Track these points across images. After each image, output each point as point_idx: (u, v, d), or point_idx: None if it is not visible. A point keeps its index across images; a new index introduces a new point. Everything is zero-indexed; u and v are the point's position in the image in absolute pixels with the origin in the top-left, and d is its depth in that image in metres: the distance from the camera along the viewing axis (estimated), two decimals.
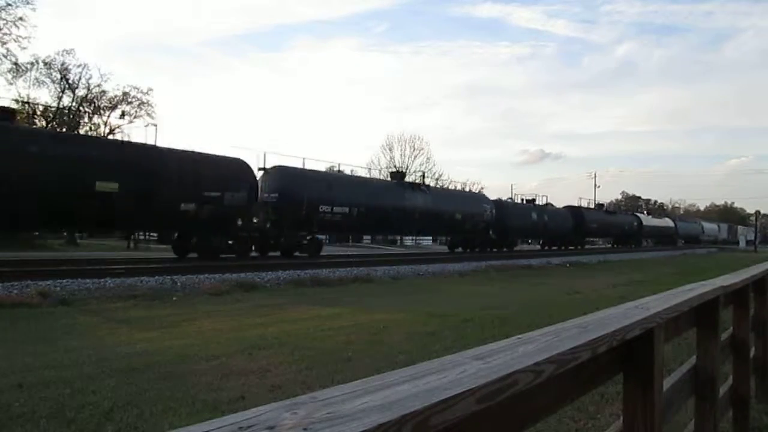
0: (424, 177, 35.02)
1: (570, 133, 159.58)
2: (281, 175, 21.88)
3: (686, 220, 78.75)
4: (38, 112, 35.78)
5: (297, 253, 22.29)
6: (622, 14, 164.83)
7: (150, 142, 18.28)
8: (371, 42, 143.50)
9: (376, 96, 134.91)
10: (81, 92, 37.33)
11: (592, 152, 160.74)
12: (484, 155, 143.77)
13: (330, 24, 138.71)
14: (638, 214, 58.24)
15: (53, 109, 35.41)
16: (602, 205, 49.96)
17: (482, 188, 42.85)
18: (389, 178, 31.45)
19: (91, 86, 37.50)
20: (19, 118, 34.02)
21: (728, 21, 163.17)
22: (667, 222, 65.38)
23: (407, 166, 54.65)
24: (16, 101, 34.58)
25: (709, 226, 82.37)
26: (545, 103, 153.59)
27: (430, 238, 48.88)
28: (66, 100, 36.76)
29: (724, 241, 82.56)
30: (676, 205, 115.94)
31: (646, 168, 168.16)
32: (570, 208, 43.43)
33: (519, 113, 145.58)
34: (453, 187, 43.29)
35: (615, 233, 52.03)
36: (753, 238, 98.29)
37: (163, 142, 19.31)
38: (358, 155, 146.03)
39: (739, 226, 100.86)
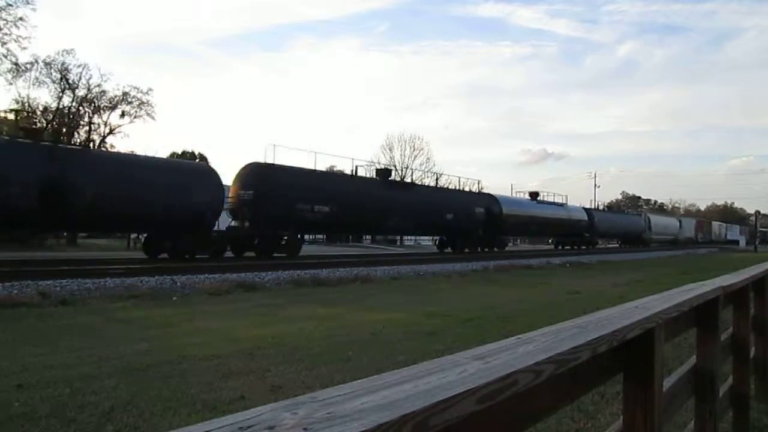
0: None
1: (572, 133, 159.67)
2: None
3: (616, 211, 60.21)
4: (38, 112, 35.80)
5: None
6: (624, 14, 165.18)
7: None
8: (372, 42, 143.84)
9: (377, 96, 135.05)
10: (81, 92, 37.33)
11: (594, 152, 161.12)
12: (486, 155, 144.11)
13: (331, 24, 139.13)
14: (498, 196, 34.79)
15: (53, 109, 35.42)
16: (402, 180, 28.15)
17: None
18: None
19: (91, 86, 37.51)
20: (19, 118, 34.18)
21: (730, 21, 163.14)
22: (571, 213, 42.45)
23: (407, 166, 54.70)
24: (16, 101, 34.66)
25: (662, 221, 63.53)
26: (547, 103, 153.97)
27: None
28: (66, 100, 36.78)
29: (689, 242, 66.84)
30: (677, 205, 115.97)
31: (648, 168, 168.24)
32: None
33: (521, 113, 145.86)
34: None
35: (427, 226, 29.89)
36: (738, 236, 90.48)
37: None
38: (359, 155, 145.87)
39: (714, 223, 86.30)
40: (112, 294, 11.10)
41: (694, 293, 2.42)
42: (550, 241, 50.02)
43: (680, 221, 69.56)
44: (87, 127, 37.69)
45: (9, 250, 20.81)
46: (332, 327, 8.29)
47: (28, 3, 30.59)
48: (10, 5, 30.28)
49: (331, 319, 9.15)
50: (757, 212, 77.64)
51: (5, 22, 30.49)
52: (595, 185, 77.95)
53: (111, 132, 37.40)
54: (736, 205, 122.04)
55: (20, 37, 31.12)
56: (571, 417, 4.09)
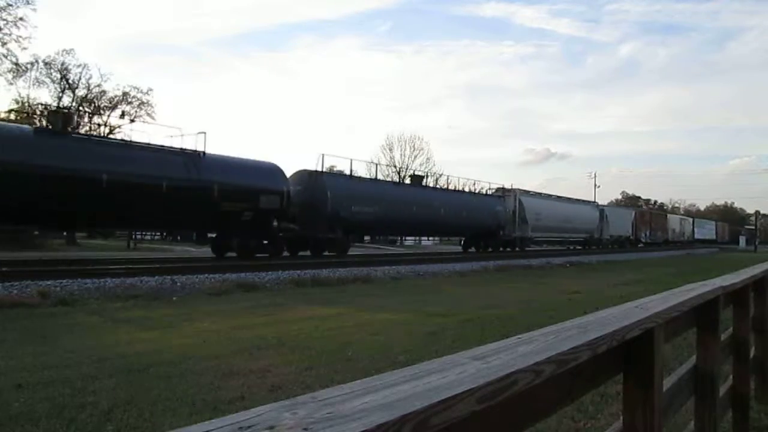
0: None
1: (574, 133, 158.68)
2: None
3: (432, 187, 33.07)
4: (38, 112, 35.79)
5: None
6: (627, 13, 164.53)
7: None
8: (374, 41, 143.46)
9: (379, 95, 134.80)
10: (81, 92, 37.41)
11: (596, 152, 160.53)
12: (489, 155, 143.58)
13: (333, 23, 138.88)
14: None
15: (53, 108, 35.38)
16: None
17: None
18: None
19: (91, 86, 37.57)
20: (18, 118, 34.16)
21: (733, 20, 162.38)
22: (249, 175, 20.04)
23: (407, 166, 54.71)
24: (16, 101, 34.66)
25: (552, 209, 37.30)
26: (550, 103, 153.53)
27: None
28: (66, 100, 36.79)
29: (623, 242, 47.50)
30: (676, 205, 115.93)
31: (649, 168, 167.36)
32: None
33: (524, 112, 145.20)
34: None
35: None
36: (715, 235, 78.84)
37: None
38: (361, 154, 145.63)
39: (673, 216, 67.23)
40: (112, 294, 11.10)
41: (694, 293, 2.42)
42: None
43: (602, 211, 45.39)
44: (87, 127, 37.67)
45: (9, 250, 20.80)
46: (332, 327, 8.29)
47: (28, 3, 30.65)
48: (10, 5, 30.33)
49: (331, 319, 9.16)
50: (757, 212, 77.52)
51: (5, 22, 30.56)
52: (595, 185, 77.68)
53: (111, 132, 37.38)
54: (736, 205, 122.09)
55: (20, 37, 31.21)
56: (571, 417, 4.09)
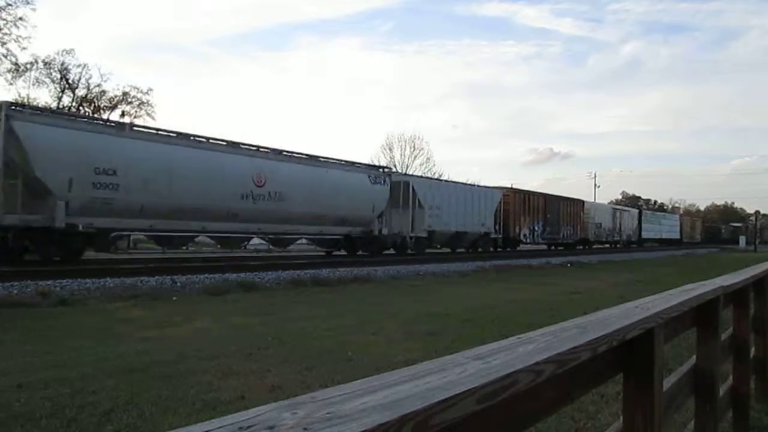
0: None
1: (577, 133, 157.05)
2: None
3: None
4: None
5: None
6: (629, 13, 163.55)
7: None
8: (376, 41, 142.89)
9: (380, 95, 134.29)
10: (81, 92, 37.41)
11: (598, 152, 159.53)
12: (491, 154, 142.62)
13: (334, 23, 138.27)
14: None
15: (53, 108, 35.41)
16: None
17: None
18: None
19: (91, 86, 37.57)
20: None
21: (735, 20, 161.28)
22: None
23: (407, 166, 54.55)
24: (16, 101, 34.68)
25: (178, 162, 15.85)
26: (552, 103, 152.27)
27: None
28: (66, 100, 36.83)
29: (474, 243, 29.60)
30: (677, 205, 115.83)
31: (650, 168, 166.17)
32: None
33: (526, 112, 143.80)
34: None
35: None
36: (678, 233, 61.37)
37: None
38: (362, 154, 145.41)
39: (598, 204, 47.51)
40: (112, 294, 11.10)
41: (694, 293, 2.42)
42: None
43: (404, 186, 24.76)
44: None
45: None
46: (332, 327, 8.29)
47: (28, 3, 30.68)
48: (10, 5, 30.35)
49: (330, 318, 9.15)
50: (757, 212, 77.42)
51: (5, 22, 30.60)
52: (595, 185, 77.63)
53: None
54: (736, 205, 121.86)
55: (20, 37, 31.23)
56: (571, 417, 4.09)
